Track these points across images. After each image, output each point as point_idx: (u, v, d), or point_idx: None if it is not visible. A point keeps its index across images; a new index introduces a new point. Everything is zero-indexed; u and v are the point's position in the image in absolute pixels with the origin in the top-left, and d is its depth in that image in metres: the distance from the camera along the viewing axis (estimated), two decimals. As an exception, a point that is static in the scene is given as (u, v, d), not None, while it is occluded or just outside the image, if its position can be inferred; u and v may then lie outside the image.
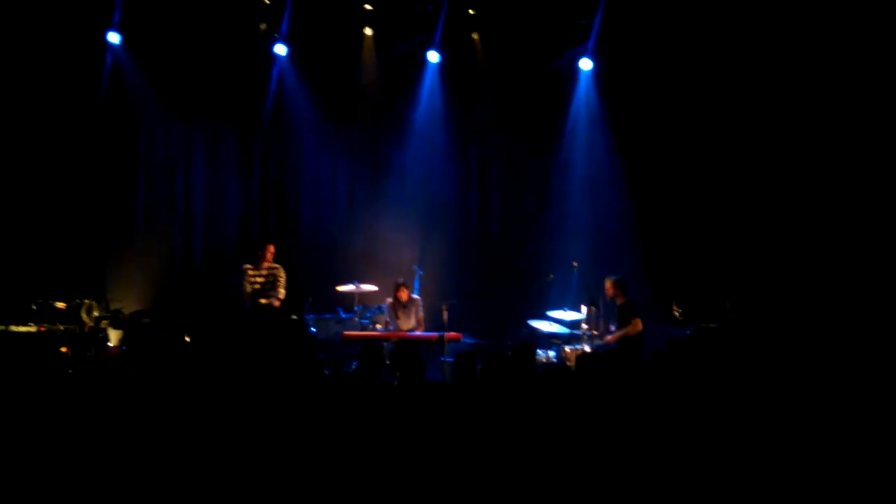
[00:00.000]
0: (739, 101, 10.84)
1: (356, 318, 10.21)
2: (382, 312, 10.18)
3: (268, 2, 11.09)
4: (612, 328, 9.55)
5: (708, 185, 11.04)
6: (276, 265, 9.58)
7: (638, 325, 9.33)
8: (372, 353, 5.55)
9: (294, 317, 9.26)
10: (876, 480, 4.18)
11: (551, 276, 10.36)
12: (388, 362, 6.61)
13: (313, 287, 10.88)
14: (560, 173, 11.80)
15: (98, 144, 10.99)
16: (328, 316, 10.29)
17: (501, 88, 11.74)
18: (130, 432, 4.36)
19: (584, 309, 9.61)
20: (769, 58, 10.61)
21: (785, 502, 4.14)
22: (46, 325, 9.02)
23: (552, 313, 9.92)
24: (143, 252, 11.26)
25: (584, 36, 11.42)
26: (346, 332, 9.79)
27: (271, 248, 9.57)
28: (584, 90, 11.74)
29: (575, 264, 9.92)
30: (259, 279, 9.45)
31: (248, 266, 9.52)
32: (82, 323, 9.17)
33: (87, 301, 9.32)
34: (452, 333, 9.59)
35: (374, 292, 10.46)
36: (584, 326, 9.48)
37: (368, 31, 11.57)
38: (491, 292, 11.35)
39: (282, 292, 9.47)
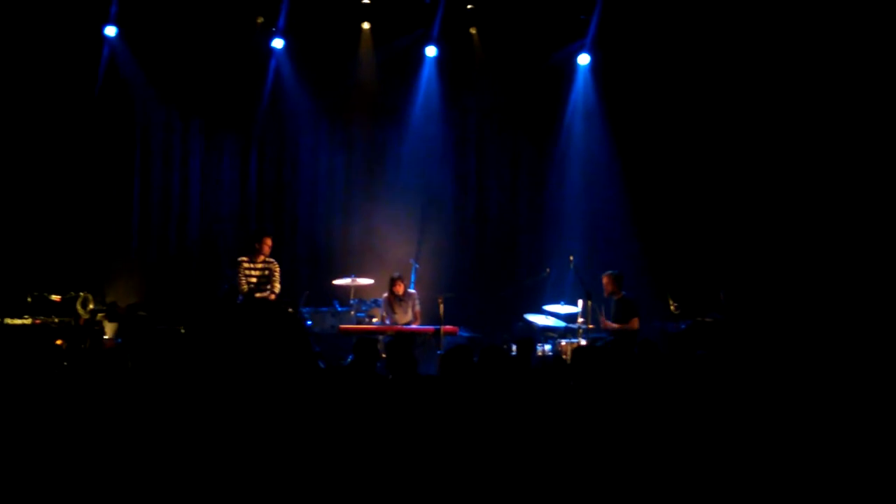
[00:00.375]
0: (736, 96, 10.87)
1: (352, 312, 10.21)
2: (378, 306, 10.18)
3: (265, -5, 11.10)
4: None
5: (704, 179, 11.08)
6: (272, 259, 9.49)
7: (635, 324, 9.36)
8: (366, 346, 5.55)
9: (290, 310, 9.23)
10: (873, 474, 4.19)
11: (548, 269, 10.45)
12: (383, 356, 6.61)
13: (310, 280, 10.92)
14: (557, 167, 11.80)
15: (94, 137, 10.97)
16: (324, 309, 10.28)
17: (499, 83, 11.72)
18: (126, 425, 4.36)
19: (580, 303, 9.62)
20: (766, 53, 10.64)
21: (781, 495, 4.15)
22: (42, 317, 9.03)
23: (548, 307, 9.93)
24: (139, 245, 11.25)
25: (582, 31, 11.44)
26: (342, 326, 9.79)
27: (268, 242, 9.44)
28: (581, 85, 11.74)
29: (571, 258, 9.93)
30: (255, 272, 9.39)
31: (244, 259, 9.43)
32: (77, 315, 9.17)
33: (82, 294, 9.32)
34: (448, 327, 9.58)
35: (371, 286, 10.47)
36: (580, 320, 9.49)
37: (366, 25, 11.55)
38: (487, 286, 11.36)
39: (277, 287, 9.43)
